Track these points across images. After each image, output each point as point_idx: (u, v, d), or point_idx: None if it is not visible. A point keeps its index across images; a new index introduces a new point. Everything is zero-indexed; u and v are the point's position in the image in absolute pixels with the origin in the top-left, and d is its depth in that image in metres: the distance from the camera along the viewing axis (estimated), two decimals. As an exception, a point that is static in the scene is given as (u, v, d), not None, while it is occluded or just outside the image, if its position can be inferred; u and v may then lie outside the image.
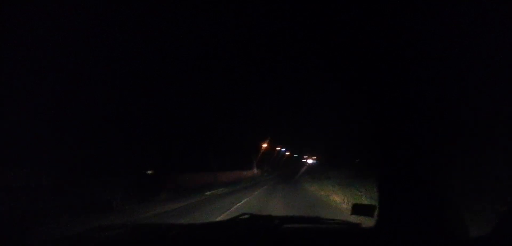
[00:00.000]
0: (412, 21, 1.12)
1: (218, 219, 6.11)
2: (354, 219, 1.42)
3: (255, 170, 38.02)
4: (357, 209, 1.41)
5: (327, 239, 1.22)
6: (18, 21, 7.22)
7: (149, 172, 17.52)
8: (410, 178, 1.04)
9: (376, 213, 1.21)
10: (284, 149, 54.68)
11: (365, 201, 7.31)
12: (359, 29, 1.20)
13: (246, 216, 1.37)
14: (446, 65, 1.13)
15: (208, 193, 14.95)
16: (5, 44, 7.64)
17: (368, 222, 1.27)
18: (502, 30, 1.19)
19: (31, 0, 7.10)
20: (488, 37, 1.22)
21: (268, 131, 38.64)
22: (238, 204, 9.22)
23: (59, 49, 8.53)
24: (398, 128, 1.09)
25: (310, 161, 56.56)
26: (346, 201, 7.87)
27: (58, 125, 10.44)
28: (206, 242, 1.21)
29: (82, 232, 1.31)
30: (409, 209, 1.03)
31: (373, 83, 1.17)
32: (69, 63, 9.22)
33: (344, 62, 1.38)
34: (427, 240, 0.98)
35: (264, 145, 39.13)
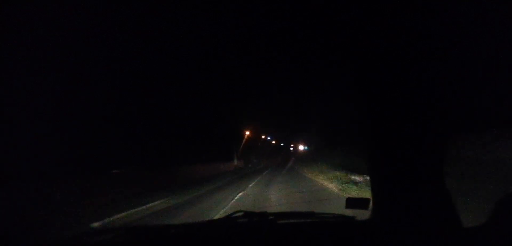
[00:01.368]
0: (412, 21, 1.12)
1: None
2: (349, 213, 1.39)
3: (235, 162, 31.67)
4: (351, 202, 1.39)
5: (324, 232, 1.21)
6: (18, 21, 7.22)
7: (115, 170, 13.01)
8: (407, 172, 1.05)
9: (370, 206, 1.21)
10: (269, 137, 52.67)
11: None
12: (359, 29, 1.20)
13: (240, 213, 1.36)
14: (446, 65, 1.13)
15: (118, 216, 7.57)
16: (5, 44, 7.64)
17: (362, 214, 1.27)
18: (502, 30, 1.19)
19: (31, 0, 7.10)
20: (488, 37, 1.22)
21: (253, 118, 34.71)
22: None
23: (59, 49, 8.53)
24: (397, 126, 1.09)
25: (301, 147, 53.85)
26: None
27: (57, 125, 10.43)
28: (203, 241, 1.21)
29: (76, 236, 1.30)
30: (405, 201, 1.03)
31: (373, 83, 1.17)
32: (69, 63, 9.22)
33: (343, 62, 1.38)
34: (423, 231, 0.98)
35: (247, 133, 35.12)
